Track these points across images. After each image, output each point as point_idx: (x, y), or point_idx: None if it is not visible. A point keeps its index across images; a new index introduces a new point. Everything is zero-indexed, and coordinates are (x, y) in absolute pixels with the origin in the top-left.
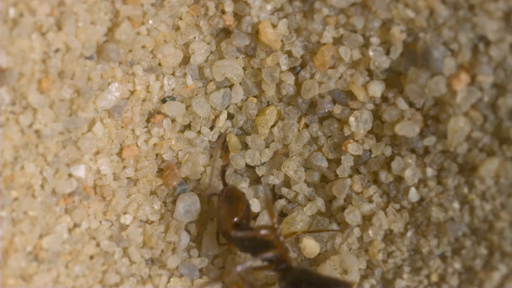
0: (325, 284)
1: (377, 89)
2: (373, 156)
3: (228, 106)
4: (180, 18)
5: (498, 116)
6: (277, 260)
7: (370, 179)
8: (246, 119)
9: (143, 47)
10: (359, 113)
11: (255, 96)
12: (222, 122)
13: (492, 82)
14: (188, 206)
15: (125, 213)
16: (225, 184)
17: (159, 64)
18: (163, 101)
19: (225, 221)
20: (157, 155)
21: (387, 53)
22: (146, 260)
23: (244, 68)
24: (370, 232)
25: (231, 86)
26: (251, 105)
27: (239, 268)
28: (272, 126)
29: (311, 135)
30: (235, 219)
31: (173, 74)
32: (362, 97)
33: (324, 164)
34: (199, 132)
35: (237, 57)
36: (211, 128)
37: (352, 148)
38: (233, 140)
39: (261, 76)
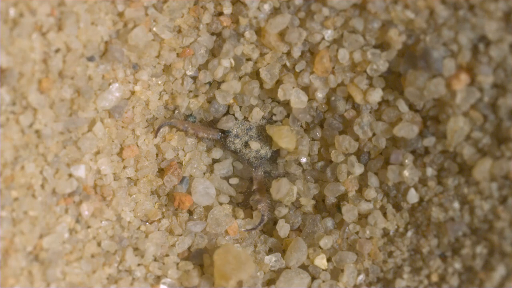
0: None
1: (376, 94)
2: (372, 157)
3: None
4: (182, 20)
5: (498, 116)
6: None
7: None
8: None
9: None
10: (360, 119)
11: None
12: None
13: (492, 82)
14: (206, 188)
15: (125, 213)
16: None
17: (163, 70)
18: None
19: None
20: (157, 154)
21: (385, 55)
22: (147, 260)
23: None
24: (369, 231)
25: None
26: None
27: None
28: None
29: (312, 138)
30: None
31: (181, 78)
32: (359, 100)
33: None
34: None
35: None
36: None
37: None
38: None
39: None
